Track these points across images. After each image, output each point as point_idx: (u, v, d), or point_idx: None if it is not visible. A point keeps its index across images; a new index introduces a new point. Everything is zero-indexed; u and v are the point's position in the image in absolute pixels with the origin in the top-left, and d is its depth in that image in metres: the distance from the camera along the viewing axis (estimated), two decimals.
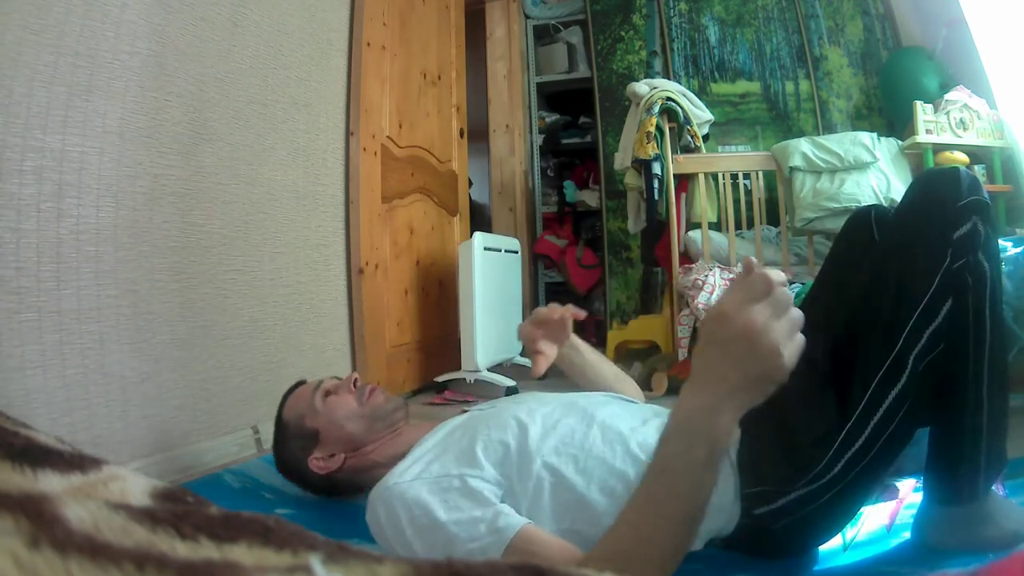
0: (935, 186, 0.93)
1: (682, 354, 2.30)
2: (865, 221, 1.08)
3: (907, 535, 1.00)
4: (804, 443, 0.90)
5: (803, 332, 0.66)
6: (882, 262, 0.94)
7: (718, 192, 2.71)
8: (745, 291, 0.64)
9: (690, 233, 2.64)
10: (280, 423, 1.21)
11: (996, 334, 0.89)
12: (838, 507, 0.92)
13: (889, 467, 0.95)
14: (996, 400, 0.90)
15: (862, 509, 0.99)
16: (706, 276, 2.27)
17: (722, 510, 0.91)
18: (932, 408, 0.93)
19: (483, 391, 2.45)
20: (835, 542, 1.01)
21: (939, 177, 0.93)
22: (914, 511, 1.00)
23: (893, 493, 1.10)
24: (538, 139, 3.92)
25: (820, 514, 0.91)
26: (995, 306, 0.89)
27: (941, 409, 0.92)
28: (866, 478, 0.91)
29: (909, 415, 0.89)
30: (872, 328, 0.91)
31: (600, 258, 3.74)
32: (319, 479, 1.16)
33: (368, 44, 2.31)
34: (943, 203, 0.89)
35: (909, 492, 1.10)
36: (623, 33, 3.63)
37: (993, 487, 0.94)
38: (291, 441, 1.18)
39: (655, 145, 2.43)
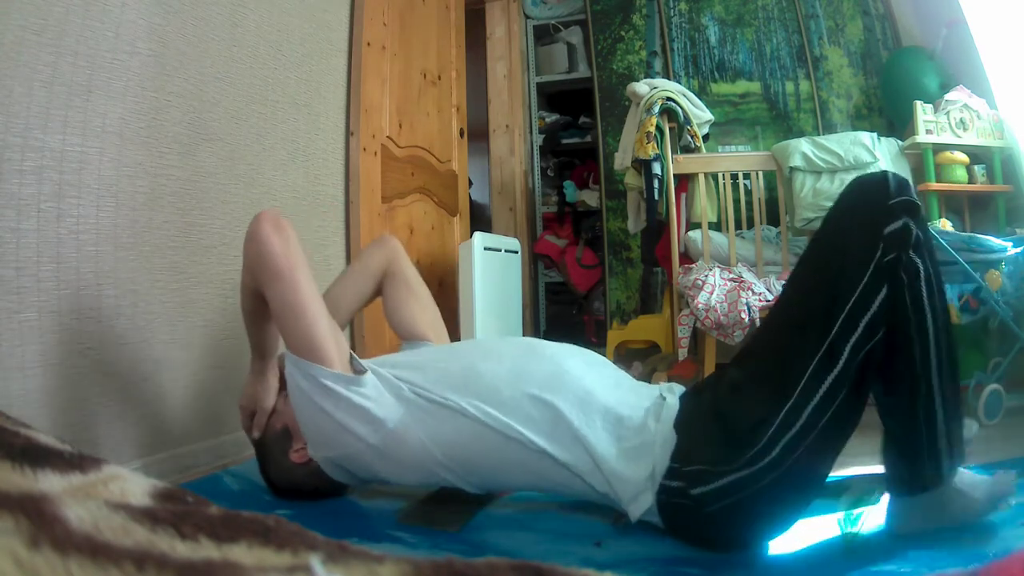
0: (865, 188, 0.98)
1: (682, 354, 2.30)
2: None
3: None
4: (742, 427, 0.94)
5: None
6: (819, 258, 1.00)
7: (718, 192, 2.71)
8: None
9: (690, 233, 2.64)
10: (257, 442, 1.27)
11: (939, 324, 0.93)
12: (779, 495, 0.94)
13: (835, 456, 0.98)
14: (949, 387, 0.93)
15: (810, 502, 1.00)
16: (706, 276, 2.27)
17: (629, 482, 0.98)
18: (884, 400, 0.97)
19: None
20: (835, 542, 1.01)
21: (869, 180, 0.99)
22: None
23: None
24: (538, 139, 3.91)
25: (760, 500, 0.93)
26: (934, 299, 0.93)
27: (893, 400, 0.96)
28: (808, 466, 0.94)
29: (850, 404, 0.93)
30: (810, 318, 0.95)
31: (600, 258, 3.73)
32: (307, 475, 1.19)
33: (368, 44, 2.31)
34: (874, 202, 0.95)
35: None
36: (623, 33, 3.63)
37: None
38: (273, 448, 1.23)
39: (655, 145, 2.43)
